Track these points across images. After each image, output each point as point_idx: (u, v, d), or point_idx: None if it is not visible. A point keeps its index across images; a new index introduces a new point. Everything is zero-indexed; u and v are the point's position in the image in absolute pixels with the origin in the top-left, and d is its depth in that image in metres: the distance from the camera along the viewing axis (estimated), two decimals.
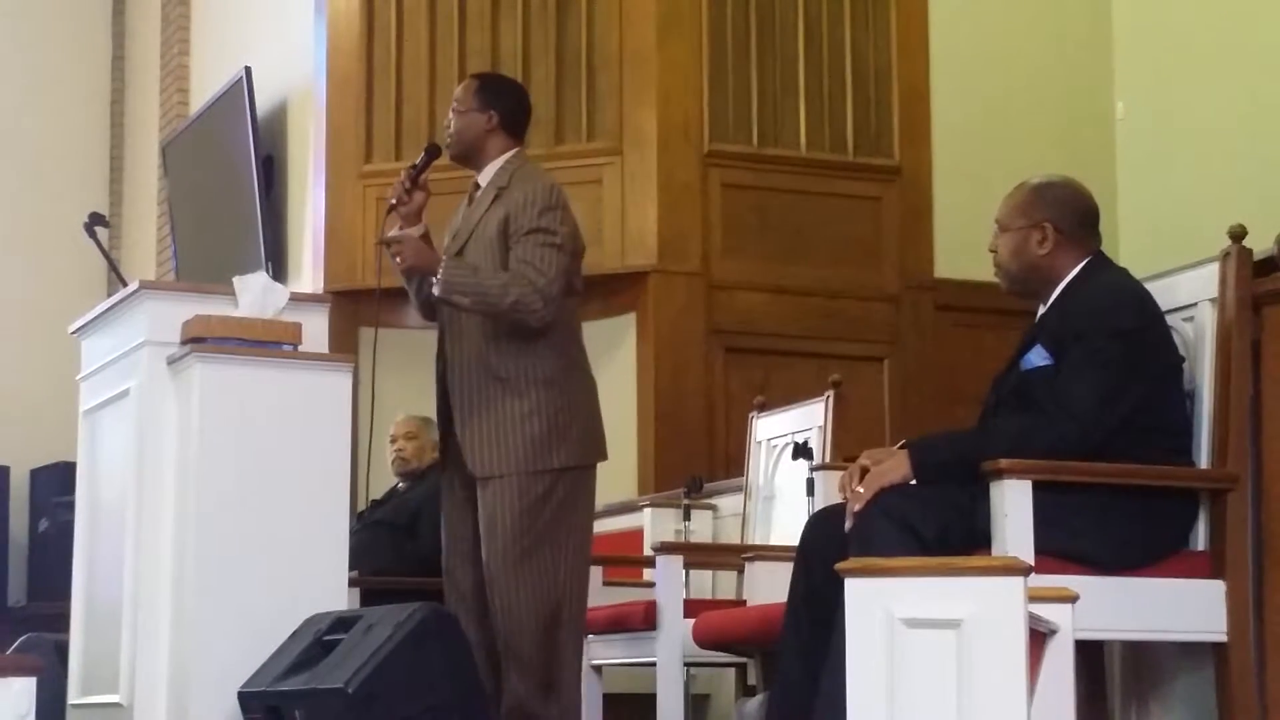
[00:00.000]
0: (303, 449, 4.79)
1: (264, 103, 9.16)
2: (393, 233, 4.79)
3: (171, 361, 4.81)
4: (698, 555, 6.11)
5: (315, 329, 4.93)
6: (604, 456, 4.86)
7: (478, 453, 4.72)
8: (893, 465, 3.81)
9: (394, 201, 4.86)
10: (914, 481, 3.81)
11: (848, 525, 3.76)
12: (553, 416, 4.71)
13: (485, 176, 4.90)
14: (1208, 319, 4.05)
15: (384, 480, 7.18)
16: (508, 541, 4.67)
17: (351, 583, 5.33)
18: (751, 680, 5.46)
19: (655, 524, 6.66)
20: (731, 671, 6.10)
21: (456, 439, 4.79)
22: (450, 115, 4.95)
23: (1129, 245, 7.44)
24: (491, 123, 4.88)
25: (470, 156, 4.92)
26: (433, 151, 4.90)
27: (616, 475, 6.86)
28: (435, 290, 4.67)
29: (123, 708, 4.73)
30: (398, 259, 4.75)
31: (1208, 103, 7.80)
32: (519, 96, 5.04)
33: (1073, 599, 3.36)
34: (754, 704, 4.90)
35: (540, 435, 4.70)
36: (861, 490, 3.77)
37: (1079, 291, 4.00)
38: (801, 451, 5.75)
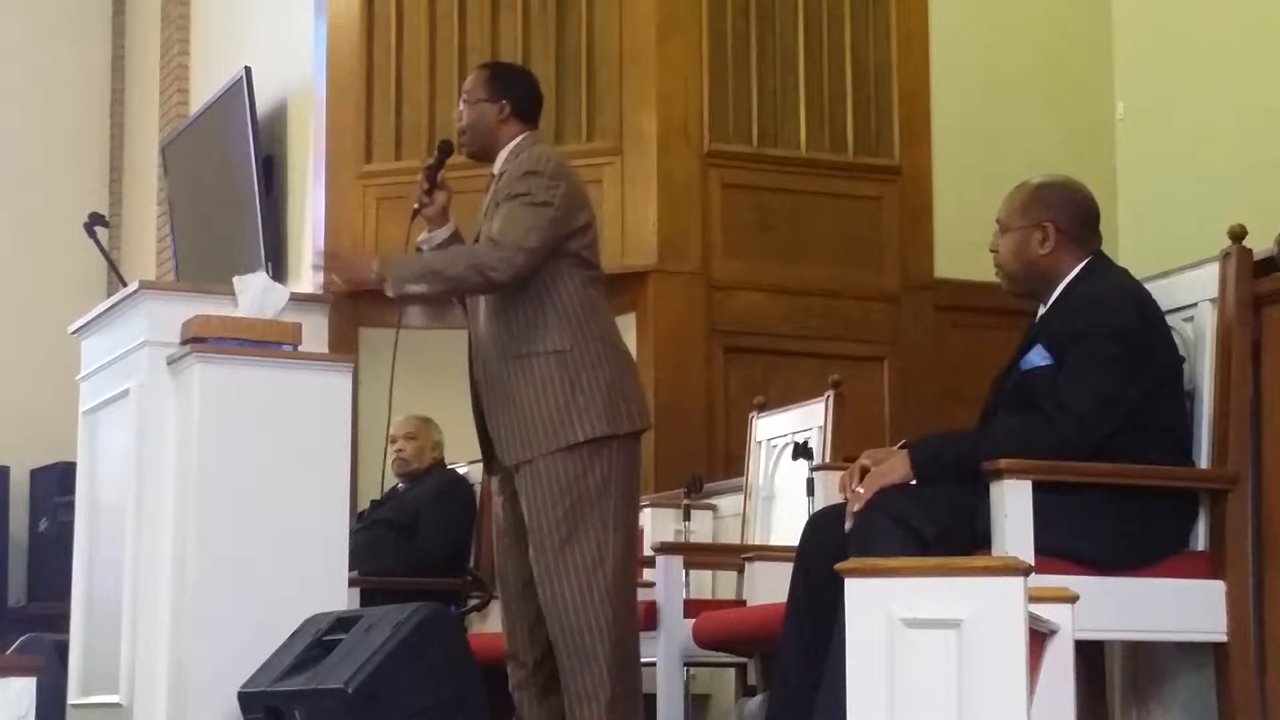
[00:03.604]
0: (303, 449, 4.79)
1: (264, 103, 9.15)
2: (335, 268, 4.65)
3: (171, 361, 4.81)
4: (698, 555, 6.10)
5: (315, 329, 4.93)
6: (638, 425, 4.63)
7: (504, 441, 4.59)
8: (893, 465, 3.81)
9: (416, 206, 4.74)
10: (914, 481, 3.81)
11: (848, 525, 3.76)
12: (566, 390, 4.54)
13: (498, 166, 4.76)
14: (1208, 319, 4.05)
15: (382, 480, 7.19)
16: (547, 530, 4.50)
17: (351, 583, 5.33)
18: (751, 680, 5.46)
19: (655, 524, 6.65)
20: (731, 671, 6.09)
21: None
22: (461, 109, 4.82)
23: (1129, 245, 7.43)
24: (504, 112, 4.76)
25: (485, 149, 4.77)
26: (445, 149, 4.80)
27: None
28: (389, 292, 4.52)
29: (123, 708, 4.73)
30: (336, 280, 4.59)
31: (1208, 103, 7.79)
32: (529, 82, 4.93)
33: (1073, 599, 3.35)
34: (754, 704, 4.91)
35: (555, 411, 4.53)
36: (861, 490, 3.77)
37: (1079, 292, 4.00)
38: (801, 451, 5.75)
